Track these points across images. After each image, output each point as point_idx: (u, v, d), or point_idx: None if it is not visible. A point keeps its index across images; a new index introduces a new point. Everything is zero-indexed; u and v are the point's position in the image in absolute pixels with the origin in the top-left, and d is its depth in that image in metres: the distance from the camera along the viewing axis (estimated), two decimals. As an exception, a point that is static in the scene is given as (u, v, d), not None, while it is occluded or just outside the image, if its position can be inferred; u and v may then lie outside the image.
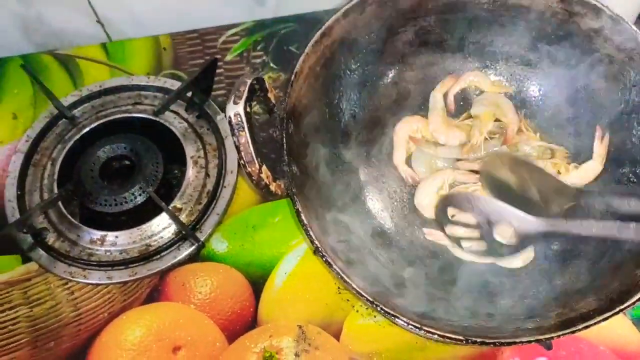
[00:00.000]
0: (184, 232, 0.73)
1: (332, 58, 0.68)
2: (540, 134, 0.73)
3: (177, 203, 0.77)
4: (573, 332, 0.53)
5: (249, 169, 0.53)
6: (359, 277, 0.58)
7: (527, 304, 0.61)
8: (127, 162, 0.80)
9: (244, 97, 0.53)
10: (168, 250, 0.75)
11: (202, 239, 0.74)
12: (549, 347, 0.65)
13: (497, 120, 0.74)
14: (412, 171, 0.74)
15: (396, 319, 0.54)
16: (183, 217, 0.76)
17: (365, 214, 0.70)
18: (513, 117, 0.73)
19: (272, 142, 0.61)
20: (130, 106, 0.85)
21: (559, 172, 0.70)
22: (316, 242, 0.56)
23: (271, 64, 0.89)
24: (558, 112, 0.73)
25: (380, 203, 0.72)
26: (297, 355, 0.69)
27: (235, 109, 0.52)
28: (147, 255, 0.74)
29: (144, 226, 0.76)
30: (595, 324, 0.53)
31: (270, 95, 0.60)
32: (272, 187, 0.56)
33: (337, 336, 0.71)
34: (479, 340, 0.53)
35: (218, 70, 0.88)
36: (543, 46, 0.71)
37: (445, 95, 0.76)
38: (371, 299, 0.54)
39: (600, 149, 0.70)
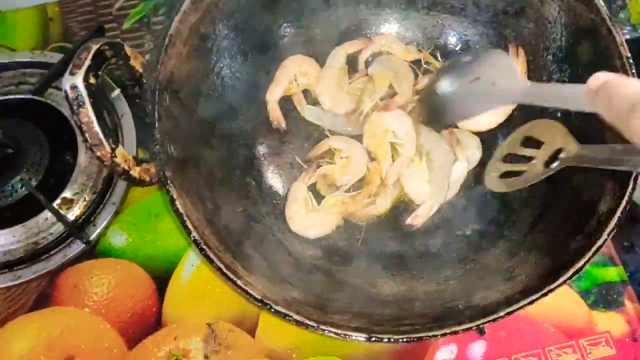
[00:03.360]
0: (68, 229, 0.64)
1: (218, 16, 0.58)
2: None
3: (67, 194, 0.68)
4: (495, 319, 0.45)
5: (98, 153, 0.44)
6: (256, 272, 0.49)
7: (449, 287, 0.53)
8: (10, 151, 0.70)
9: (84, 66, 0.44)
10: (57, 248, 0.66)
11: (93, 235, 0.66)
12: (482, 332, 0.58)
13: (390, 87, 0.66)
14: (280, 114, 0.66)
15: (287, 318, 0.46)
16: (75, 209, 0.67)
17: (264, 194, 0.61)
18: (406, 91, 0.64)
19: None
20: (13, 87, 0.74)
21: None
22: (194, 234, 0.47)
23: (174, 30, 0.78)
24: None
25: (281, 181, 0.64)
26: (206, 357, 0.62)
27: (72, 81, 0.43)
28: (34, 255, 0.65)
29: (29, 222, 0.67)
30: (519, 308, 0.46)
31: (134, 62, 0.51)
32: (135, 173, 0.47)
33: (252, 332, 0.63)
34: (385, 337, 0.45)
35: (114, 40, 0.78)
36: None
37: (348, 56, 0.66)
38: (260, 297, 0.46)
39: (518, 64, 0.62)
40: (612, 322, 0.62)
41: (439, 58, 0.67)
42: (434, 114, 0.61)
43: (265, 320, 0.63)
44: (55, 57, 0.75)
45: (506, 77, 0.53)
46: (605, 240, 0.47)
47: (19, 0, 0.81)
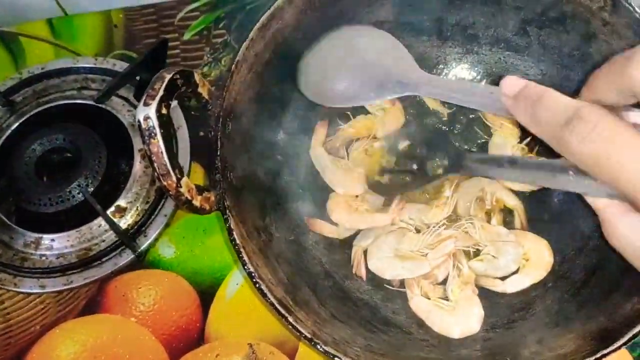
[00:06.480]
0: (121, 239, 0.65)
1: (285, 44, 0.58)
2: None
3: (121, 202, 0.69)
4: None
5: (164, 183, 0.45)
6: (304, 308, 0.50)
7: (497, 336, 0.53)
8: (69, 155, 0.72)
9: (157, 97, 0.44)
10: (109, 256, 0.68)
11: (144, 245, 0.67)
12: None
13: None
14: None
15: (335, 359, 0.46)
16: (128, 218, 0.69)
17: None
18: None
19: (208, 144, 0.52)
20: (75, 91, 0.76)
21: None
22: (249, 267, 0.48)
23: (233, 44, 0.79)
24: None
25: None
26: (245, 377, 0.62)
27: (146, 112, 0.44)
28: (86, 262, 0.67)
29: (83, 228, 0.68)
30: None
31: (202, 90, 0.51)
32: (197, 202, 0.47)
33: (292, 356, 0.64)
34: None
35: (174, 51, 0.79)
36: (533, 30, 0.61)
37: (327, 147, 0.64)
38: (309, 336, 0.46)
39: None
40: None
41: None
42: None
43: (305, 346, 0.64)
44: (117, 65, 0.77)
45: (401, 65, 0.50)
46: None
47: (92, 3, 0.82)
